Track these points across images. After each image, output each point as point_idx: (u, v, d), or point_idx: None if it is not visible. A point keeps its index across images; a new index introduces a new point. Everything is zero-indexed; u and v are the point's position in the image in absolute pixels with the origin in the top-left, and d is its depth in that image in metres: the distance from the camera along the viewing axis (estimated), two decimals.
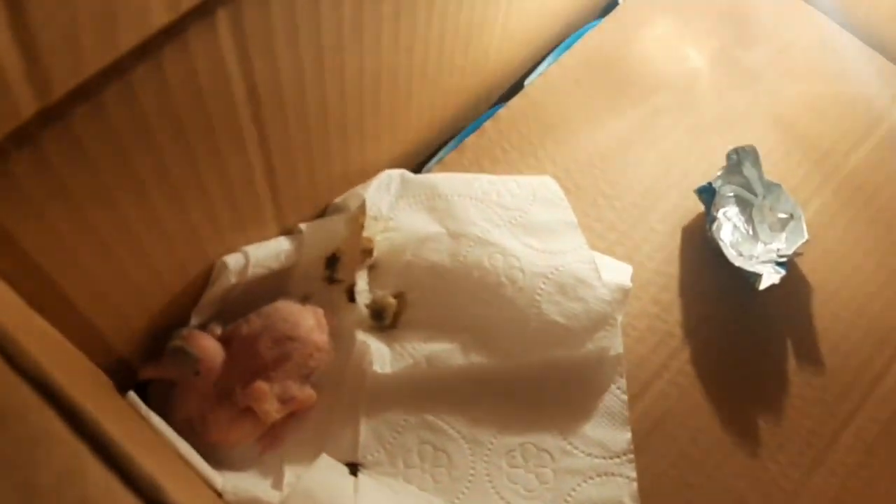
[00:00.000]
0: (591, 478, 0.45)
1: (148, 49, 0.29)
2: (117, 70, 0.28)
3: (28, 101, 0.25)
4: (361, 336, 0.48)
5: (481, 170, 0.56)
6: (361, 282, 0.49)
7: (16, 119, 0.26)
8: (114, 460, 0.23)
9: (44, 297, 0.34)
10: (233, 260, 0.45)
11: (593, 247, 0.52)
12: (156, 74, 0.30)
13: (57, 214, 0.31)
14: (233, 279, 0.45)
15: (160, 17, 0.28)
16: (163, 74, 0.30)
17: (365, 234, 0.50)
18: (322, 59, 0.38)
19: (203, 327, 0.46)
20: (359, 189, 0.51)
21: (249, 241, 0.46)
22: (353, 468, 0.45)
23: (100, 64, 0.27)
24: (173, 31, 0.29)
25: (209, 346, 0.44)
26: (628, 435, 0.47)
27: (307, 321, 0.46)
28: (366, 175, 0.51)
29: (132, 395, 0.40)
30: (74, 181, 0.30)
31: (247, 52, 0.33)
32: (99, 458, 0.23)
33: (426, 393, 0.48)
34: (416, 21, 0.43)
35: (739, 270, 0.51)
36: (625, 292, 0.49)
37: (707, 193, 0.54)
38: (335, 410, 0.47)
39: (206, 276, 0.45)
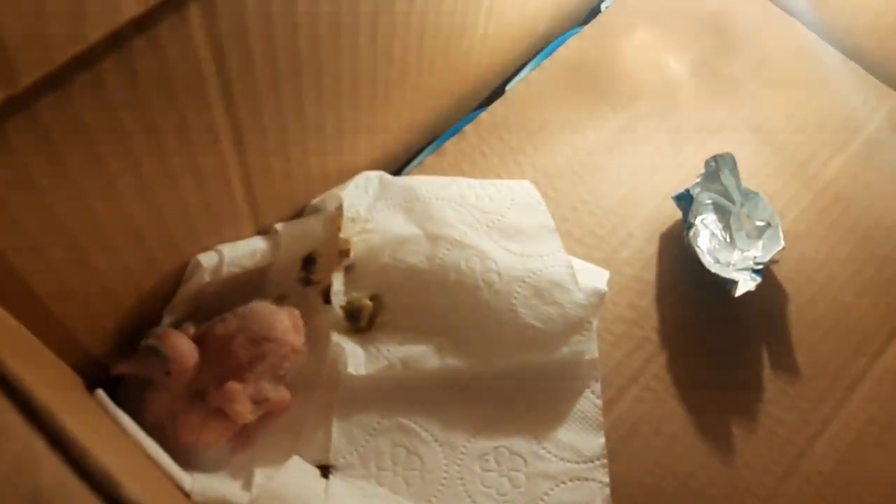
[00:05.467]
0: (563, 482, 0.45)
1: (118, 41, 0.29)
2: (86, 61, 0.28)
3: None
4: (336, 338, 0.48)
5: (461, 174, 0.56)
6: (337, 283, 0.49)
7: None
8: (69, 453, 0.23)
9: (10, 291, 0.33)
10: (206, 258, 0.44)
11: (571, 252, 0.52)
12: (126, 67, 0.30)
13: (22, 206, 0.31)
14: (206, 277, 0.45)
15: (130, 9, 0.27)
16: (133, 67, 0.30)
17: (342, 235, 0.49)
18: (298, 57, 0.38)
19: (177, 326, 0.45)
20: (336, 190, 0.50)
21: (224, 240, 0.46)
22: (325, 470, 0.45)
23: (68, 54, 0.27)
24: (144, 24, 0.29)
25: (182, 347, 0.43)
26: (602, 440, 0.47)
27: (283, 322, 0.46)
28: (344, 176, 0.51)
29: (100, 393, 0.40)
30: (40, 172, 0.30)
31: (220, 48, 0.33)
32: (55, 451, 0.23)
33: (400, 395, 0.47)
34: (395, 21, 0.43)
35: (716, 277, 0.51)
36: (600, 296, 0.49)
37: (684, 200, 0.54)
38: (308, 412, 0.47)
39: (180, 274, 0.44)
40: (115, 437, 0.38)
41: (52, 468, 0.22)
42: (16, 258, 0.32)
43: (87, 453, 0.23)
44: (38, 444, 0.22)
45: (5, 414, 0.22)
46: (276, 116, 0.40)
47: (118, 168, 0.33)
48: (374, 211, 0.52)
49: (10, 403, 0.23)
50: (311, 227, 0.50)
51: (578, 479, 0.45)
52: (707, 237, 0.53)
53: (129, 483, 0.24)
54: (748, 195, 0.55)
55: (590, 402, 0.48)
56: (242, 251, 0.47)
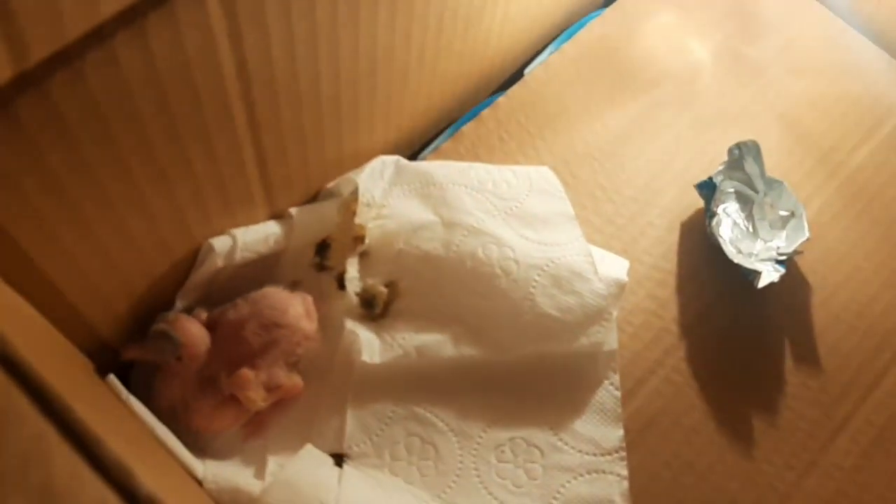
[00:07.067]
0: (581, 475, 0.44)
1: (132, 16, 0.28)
2: (99, 36, 0.27)
3: (3, 64, 0.24)
4: (350, 325, 0.47)
5: (478, 159, 0.55)
6: (352, 269, 0.48)
7: None
8: (82, 442, 0.22)
9: (21, 274, 0.32)
10: (219, 242, 0.44)
11: (590, 240, 0.51)
12: (140, 43, 0.29)
13: (34, 187, 0.30)
14: (220, 262, 0.44)
15: None
16: (147, 44, 0.29)
17: (357, 220, 0.49)
18: (316, 37, 0.37)
19: (189, 311, 0.45)
20: (352, 174, 0.49)
21: (238, 225, 0.45)
22: (339, 459, 0.44)
23: (81, 28, 0.26)
24: None
25: (194, 332, 0.43)
26: (620, 432, 0.46)
27: (296, 308, 0.45)
28: (360, 160, 0.50)
29: (112, 378, 0.39)
30: (52, 153, 0.29)
31: (237, 25, 0.32)
32: (66, 440, 0.22)
33: (415, 384, 0.46)
34: (414, 2, 0.42)
35: (738, 268, 0.50)
36: (621, 286, 0.48)
37: (707, 189, 0.53)
38: (322, 400, 0.46)
39: (192, 259, 0.44)
40: (127, 423, 0.37)
41: (65, 457, 0.21)
42: (27, 241, 0.31)
43: (100, 442, 0.22)
44: (51, 433, 0.22)
45: (17, 401, 0.22)
46: (293, 98, 0.39)
47: (131, 147, 0.33)
48: (389, 196, 0.51)
49: (22, 390, 0.22)
50: (326, 211, 0.49)
51: (596, 471, 0.44)
52: (729, 226, 0.52)
53: (143, 472, 0.23)
54: (772, 184, 0.53)
55: (608, 393, 0.47)
56: (256, 236, 0.46)
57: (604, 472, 0.44)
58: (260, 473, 0.43)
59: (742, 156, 0.53)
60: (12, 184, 0.29)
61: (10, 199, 0.29)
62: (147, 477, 0.23)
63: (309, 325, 0.46)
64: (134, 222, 0.36)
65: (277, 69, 0.36)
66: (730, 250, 0.51)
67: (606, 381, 0.47)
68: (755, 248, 0.52)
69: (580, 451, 0.45)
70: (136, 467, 0.23)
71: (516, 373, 0.47)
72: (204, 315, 0.45)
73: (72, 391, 0.24)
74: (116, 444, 0.23)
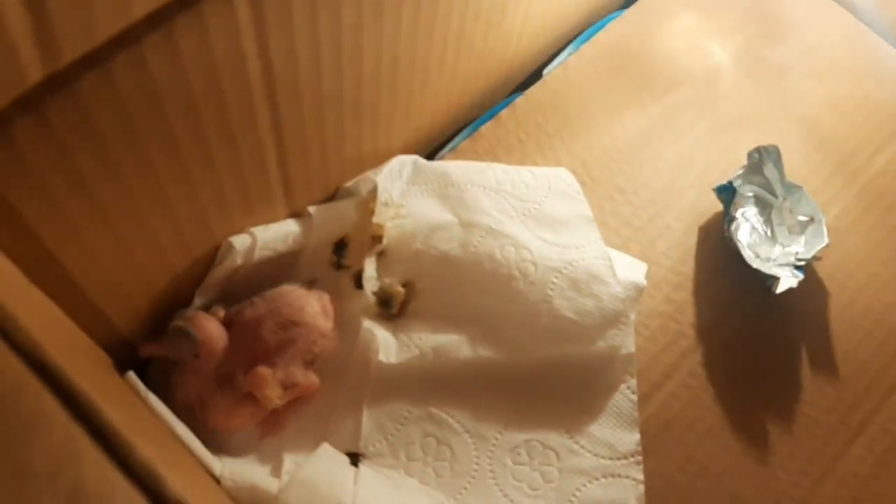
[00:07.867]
0: (596, 478, 0.44)
1: (161, 18, 0.28)
2: (129, 38, 0.27)
3: (35, 65, 0.24)
4: (367, 324, 0.47)
5: (496, 159, 0.55)
6: (369, 268, 0.48)
7: (21, 84, 0.24)
8: (111, 446, 0.22)
9: (44, 272, 0.32)
10: (239, 241, 0.44)
11: (607, 242, 0.51)
12: (168, 45, 0.29)
13: (61, 186, 0.30)
14: (239, 260, 0.44)
15: None
16: (175, 46, 0.29)
17: (375, 220, 0.49)
18: (340, 39, 0.37)
19: (206, 308, 0.45)
20: (370, 174, 0.49)
21: (257, 223, 0.45)
22: (354, 458, 0.44)
23: (111, 30, 0.26)
24: (189, 2, 0.28)
25: (212, 329, 0.43)
26: (637, 436, 0.46)
27: (312, 306, 0.45)
28: (378, 160, 0.50)
29: (131, 374, 0.39)
30: (80, 152, 0.29)
31: (264, 28, 0.32)
32: (96, 443, 0.22)
33: (431, 385, 0.46)
34: (438, 3, 0.42)
35: (756, 272, 0.50)
36: (639, 290, 0.48)
37: (726, 192, 0.53)
38: (338, 399, 0.46)
39: (212, 256, 0.44)
40: (146, 420, 0.37)
41: (95, 461, 0.22)
42: (50, 237, 0.32)
43: (131, 446, 0.22)
44: (81, 437, 0.22)
45: (48, 404, 0.22)
46: (315, 98, 0.39)
47: (156, 148, 0.33)
48: (407, 196, 0.50)
49: (54, 394, 0.22)
50: (344, 211, 0.49)
51: (612, 475, 0.44)
52: (747, 231, 0.52)
53: (171, 476, 0.23)
54: (791, 189, 0.53)
55: (625, 397, 0.47)
56: (275, 234, 0.46)
57: (619, 475, 0.44)
58: (276, 471, 0.43)
59: (762, 160, 0.53)
60: (39, 182, 0.29)
61: (37, 198, 0.30)
62: (175, 481, 0.23)
63: (325, 323, 0.46)
64: (157, 221, 0.36)
65: (302, 71, 0.36)
66: (748, 255, 0.50)
67: (623, 385, 0.47)
68: (773, 253, 0.52)
69: (596, 455, 0.45)
70: (164, 472, 0.23)
71: (532, 375, 0.47)
72: (222, 312, 0.45)
73: (101, 393, 0.24)
74: (145, 448, 0.23)
